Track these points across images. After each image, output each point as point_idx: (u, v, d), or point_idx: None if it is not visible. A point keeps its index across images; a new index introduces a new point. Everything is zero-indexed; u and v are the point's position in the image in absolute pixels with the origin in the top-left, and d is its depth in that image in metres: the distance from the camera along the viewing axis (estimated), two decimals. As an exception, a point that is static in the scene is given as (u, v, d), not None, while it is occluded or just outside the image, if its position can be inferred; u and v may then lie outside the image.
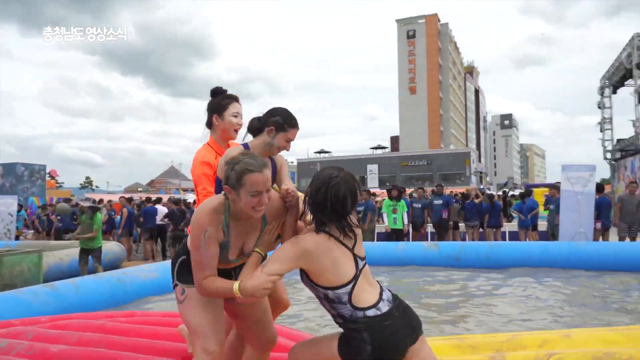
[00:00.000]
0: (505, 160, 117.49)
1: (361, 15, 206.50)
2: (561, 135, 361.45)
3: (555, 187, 10.40)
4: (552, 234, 9.90)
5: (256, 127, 2.40)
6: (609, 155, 19.06)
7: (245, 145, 2.36)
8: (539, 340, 2.91)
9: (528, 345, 2.85)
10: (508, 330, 4.42)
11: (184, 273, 2.05)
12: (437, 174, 55.84)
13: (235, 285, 1.87)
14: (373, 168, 60.25)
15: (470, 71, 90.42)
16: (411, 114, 68.31)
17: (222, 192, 1.98)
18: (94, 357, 2.71)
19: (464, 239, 11.32)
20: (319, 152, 71.49)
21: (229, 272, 2.15)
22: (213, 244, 1.94)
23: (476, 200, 11.28)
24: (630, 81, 16.98)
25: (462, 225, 11.58)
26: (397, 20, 72.44)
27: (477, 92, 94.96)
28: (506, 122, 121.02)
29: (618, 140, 18.75)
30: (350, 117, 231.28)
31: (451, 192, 15.58)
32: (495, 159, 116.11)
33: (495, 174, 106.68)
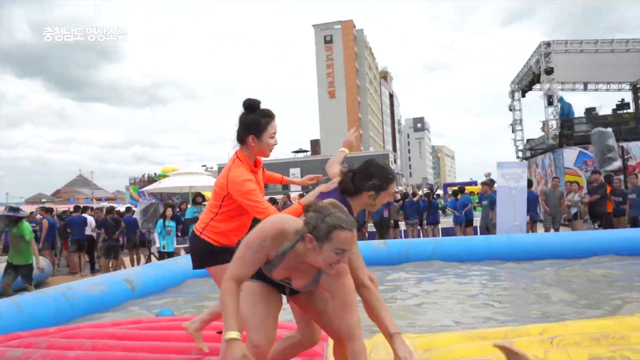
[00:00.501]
0: (419, 162, 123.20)
1: (278, 20, 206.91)
2: (468, 137, 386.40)
3: (486, 184, 11.06)
4: (486, 228, 10.51)
5: (350, 190, 2.29)
6: (520, 154, 20.60)
7: (343, 201, 2.22)
8: (539, 329, 3.14)
9: (531, 334, 3.06)
10: (476, 321, 4.66)
11: None
12: (357, 176, 57.19)
13: (231, 333, 1.77)
14: (295, 172, 60.31)
15: (385, 76, 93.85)
16: (331, 117, 69.52)
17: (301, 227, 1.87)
18: (112, 360, 2.72)
19: (403, 237, 11.70)
20: (240, 157, 70.44)
21: (282, 285, 2.14)
22: (262, 254, 1.90)
23: (414, 199, 11.70)
24: (537, 85, 18.50)
25: (401, 223, 11.96)
26: (314, 26, 73.46)
27: (391, 96, 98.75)
28: (419, 125, 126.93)
29: (528, 140, 20.33)
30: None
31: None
32: (409, 160, 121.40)
33: (410, 175, 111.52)
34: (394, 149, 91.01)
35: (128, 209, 11.65)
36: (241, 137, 2.50)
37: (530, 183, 10.30)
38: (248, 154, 2.52)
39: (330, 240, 1.77)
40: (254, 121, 2.46)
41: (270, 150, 2.54)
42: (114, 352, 2.90)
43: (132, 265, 10.59)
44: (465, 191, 11.88)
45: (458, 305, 5.32)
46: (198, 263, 2.66)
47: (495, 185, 10.48)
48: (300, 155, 67.58)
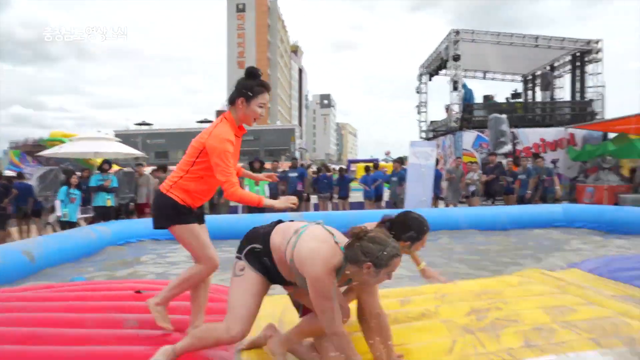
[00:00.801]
0: (324, 138, 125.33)
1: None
2: (370, 116, 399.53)
3: (396, 161, 11.59)
4: (394, 203, 11.05)
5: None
6: (424, 135, 21.76)
7: None
8: (434, 288, 3.65)
9: (426, 292, 3.58)
10: (382, 283, 5.00)
11: (255, 257, 2.24)
12: (264, 149, 56.86)
13: None
14: (200, 142, 58.59)
15: (295, 50, 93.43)
16: (239, 88, 67.99)
17: (340, 248, 2.12)
18: (24, 321, 2.68)
19: (315, 210, 11.93)
20: (140, 124, 66.71)
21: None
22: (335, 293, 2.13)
23: (327, 174, 11.94)
24: (443, 71, 19.55)
25: (313, 197, 12.18)
26: (226, -8, 70.74)
27: (300, 71, 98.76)
28: (325, 101, 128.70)
29: (431, 122, 21.51)
30: (169, 88, 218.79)
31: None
32: (314, 135, 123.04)
33: (314, 150, 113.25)
34: (300, 124, 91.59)
35: (20, 175, 10.57)
36: (233, 99, 2.63)
37: (436, 162, 10.97)
38: (236, 116, 2.64)
39: (389, 266, 2.05)
40: (249, 86, 2.60)
41: (254, 120, 2.65)
42: (25, 313, 2.76)
43: (21, 237, 9.69)
44: (379, 167, 12.32)
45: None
46: (161, 222, 2.66)
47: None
48: (206, 125, 65.57)
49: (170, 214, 2.62)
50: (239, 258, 2.27)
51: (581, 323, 2.78)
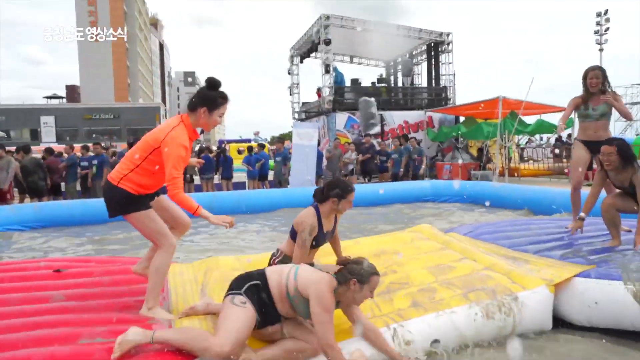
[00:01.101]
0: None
1: None
2: (238, 95, 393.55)
3: (279, 141, 11.89)
4: (279, 182, 11.38)
5: (320, 198, 3.18)
6: (297, 116, 22.36)
7: (316, 207, 3.23)
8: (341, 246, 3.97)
9: (330, 253, 3.81)
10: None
11: (254, 292, 2.53)
12: (125, 128, 53.15)
13: None
14: (49, 120, 52.51)
15: (155, 24, 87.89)
16: (94, 62, 61.85)
17: (335, 277, 2.56)
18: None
19: (197, 191, 11.75)
20: (-30, 99, 57.58)
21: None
22: None
23: (210, 155, 11.80)
24: (315, 54, 20.22)
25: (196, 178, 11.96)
26: (73, -47, 63.42)
27: (161, 46, 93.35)
28: (189, 79, 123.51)
29: (304, 103, 22.17)
30: (2, 58, 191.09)
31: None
32: (179, 114, 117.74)
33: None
34: (164, 102, 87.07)
35: None
36: (194, 106, 2.75)
37: (318, 143, 11.50)
38: (193, 122, 2.77)
39: (370, 283, 2.56)
40: (212, 97, 2.75)
41: (213, 127, 2.85)
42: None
43: None
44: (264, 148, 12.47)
45: (264, 244, 6.12)
46: (115, 211, 2.69)
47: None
48: (55, 101, 59.04)
49: (125, 204, 2.67)
50: (237, 294, 2.51)
51: (457, 280, 3.37)
